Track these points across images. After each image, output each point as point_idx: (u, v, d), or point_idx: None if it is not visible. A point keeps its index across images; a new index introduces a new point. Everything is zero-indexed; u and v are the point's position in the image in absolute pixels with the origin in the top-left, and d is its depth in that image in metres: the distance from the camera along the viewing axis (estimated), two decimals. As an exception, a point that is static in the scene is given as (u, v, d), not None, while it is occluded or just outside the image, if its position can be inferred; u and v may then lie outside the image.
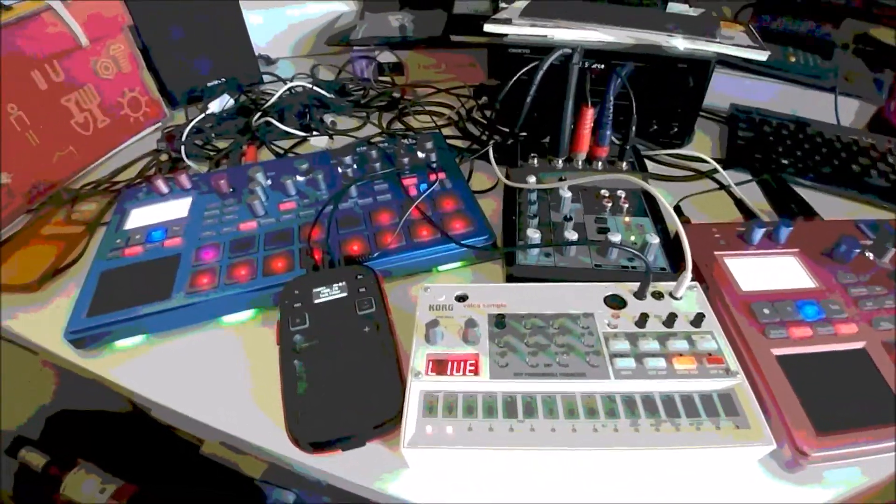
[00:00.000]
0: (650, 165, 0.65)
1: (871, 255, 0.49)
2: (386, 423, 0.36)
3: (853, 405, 0.37)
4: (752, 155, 0.66)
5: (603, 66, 0.61)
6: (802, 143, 0.68)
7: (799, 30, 0.81)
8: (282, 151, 0.72)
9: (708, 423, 0.36)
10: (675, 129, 0.67)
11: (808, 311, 0.43)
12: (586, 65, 0.54)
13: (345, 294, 0.43)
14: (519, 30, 0.66)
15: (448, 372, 0.37)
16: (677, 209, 0.56)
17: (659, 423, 0.35)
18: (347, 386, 0.38)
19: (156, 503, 0.81)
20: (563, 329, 0.40)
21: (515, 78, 0.54)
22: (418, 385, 0.37)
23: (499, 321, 0.40)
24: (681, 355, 0.39)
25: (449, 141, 0.69)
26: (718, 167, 0.62)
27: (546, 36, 0.65)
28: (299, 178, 0.59)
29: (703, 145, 0.71)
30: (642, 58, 0.61)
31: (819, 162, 0.66)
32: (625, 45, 0.63)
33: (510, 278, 0.47)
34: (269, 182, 0.59)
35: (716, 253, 0.49)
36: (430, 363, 0.38)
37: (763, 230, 0.49)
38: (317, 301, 0.43)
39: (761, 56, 0.62)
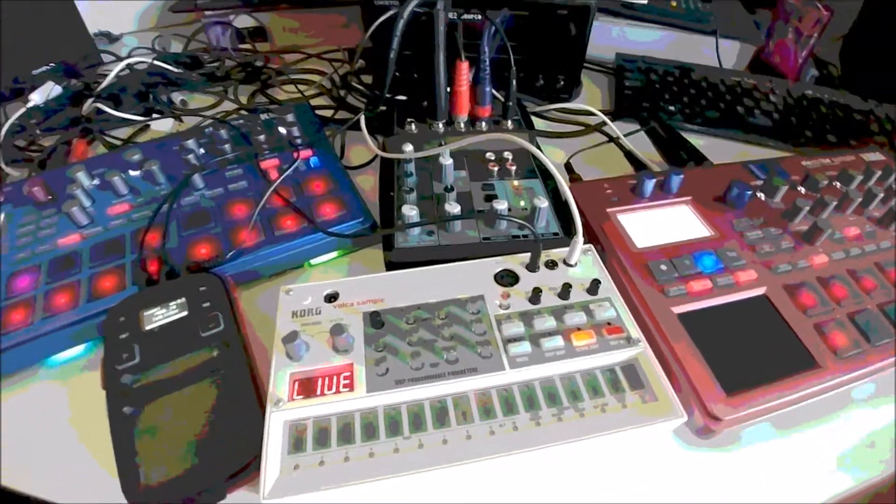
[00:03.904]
0: (538, 122, 0.61)
1: (762, 196, 0.49)
2: (245, 467, 0.29)
3: (760, 358, 0.36)
4: (639, 104, 0.64)
5: (479, 18, 0.55)
6: (688, 88, 0.67)
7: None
8: (119, 142, 0.60)
9: (613, 401, 0.32)
10: (562, 83, 0.63)
11: (706, 263, 0.41)
12: (458, 16, 0.48)
13: (185, 313, 0.35)
14: (384, -21, 0.58)
15: (318, 392, 0.31)
16: (568, 166, 0.53)
17: (561, 412, 0.31)
18: (195, 428, 0.31)
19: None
20: (450, 318, 0.35)
21: (371, 30, 0.47)
22: (280, 416, 0.30)
23: (375, 320, 0.34)
24: (579, 329, 0.35)
25: (323, 112, 0.60)
26: (607, 119, 0.59)
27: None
28: (132, 173, 0.48)
29: (592, 98, 0.68)
30: (520, 5, 0.56)
31: (705, 106, 0.65)
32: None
33: (390, 265, 0.41)
34: (97, 182, 0.48)
35: (608, 210, 0.45)
36: (296, 384, 0.31)
37: (654, 181, 0.47)
38: (148, 327, 0.34)
39: (639, -3, 0.60)
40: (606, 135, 0.60)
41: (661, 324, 0.37)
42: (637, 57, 0.72)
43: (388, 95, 0.51)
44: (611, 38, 0.75)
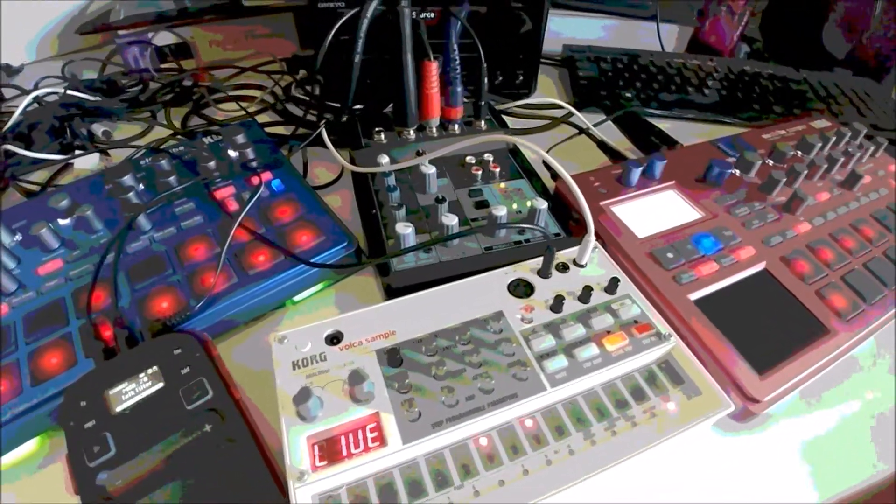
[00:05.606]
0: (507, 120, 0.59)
1: (737, 172, 0.49)
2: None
3: (776, 332, 0.36)
4: (597, 93, 0.64)
5: (432, 16, 0.52)
6: (639, 73, 0.68)
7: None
8: (38, 187, 0.51)
9: (660, 402, 0.30)
10: (521, 78, 0.61)
11: (706, 245, 0.41)
12: (417, 14, 0.44)
13: (161, 384, 0.29)
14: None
15: (344, 454, 0.26)
16: (546, 162, 0.51)
17: (613, 424, 0.29)
18: (198, 522, 0.25)
19: None
20: (474, 342, 0.32)
21: (330, 36, 0.42)
22: (306, 491, 0.25)
23: (393, 358, 0.30)
24: (608, 333, 0.33)
25: (269, 129, 0.54)
26: (574, 110, 0.58)
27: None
28: (62, 222, 0.41)
29: (547, 91, 0.67)
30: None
31: (658, 90, 0.66)
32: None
33: (389, 291, 0.36)
34: (19, 237, 0.40)
35: (602, 203, 0.44)
36: (316, 450, 0.27)
37: (640, 169, 0.46)
38: (119, 408, 0.28)
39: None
40: (576, 126, 0.59)
41: (682, 313, 0.36)
42: (584, 47, 0.72)
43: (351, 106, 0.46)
44: (550, 30, 0.74)
